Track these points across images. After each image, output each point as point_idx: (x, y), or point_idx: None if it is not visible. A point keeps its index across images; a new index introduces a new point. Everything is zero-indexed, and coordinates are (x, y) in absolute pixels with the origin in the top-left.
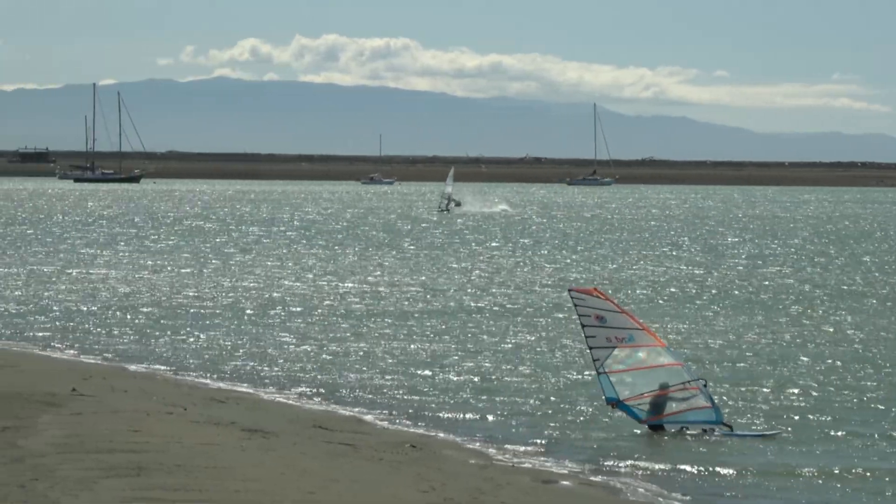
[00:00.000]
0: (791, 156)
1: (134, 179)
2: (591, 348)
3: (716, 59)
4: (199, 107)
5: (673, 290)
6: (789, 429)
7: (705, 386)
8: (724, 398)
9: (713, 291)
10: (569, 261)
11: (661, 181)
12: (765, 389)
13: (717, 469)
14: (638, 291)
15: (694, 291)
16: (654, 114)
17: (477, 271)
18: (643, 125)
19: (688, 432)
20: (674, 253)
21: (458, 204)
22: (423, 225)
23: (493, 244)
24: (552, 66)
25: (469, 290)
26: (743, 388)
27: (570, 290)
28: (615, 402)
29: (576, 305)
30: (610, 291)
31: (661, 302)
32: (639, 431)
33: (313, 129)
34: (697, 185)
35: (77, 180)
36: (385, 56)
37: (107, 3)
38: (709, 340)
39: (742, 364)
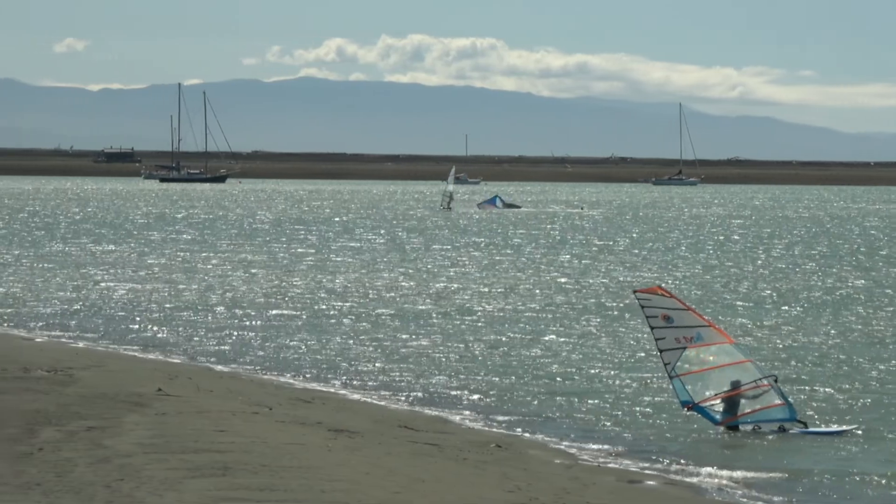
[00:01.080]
0: (878, 156)
1: (220, 179)
2: (661, 351)
3: (802, 59)
4: (285, 107)
5: (743, 289)
6: (862, 427)
7: (776, 382)
8: (799, 396)
9: (783, 290)
10: (642, 260)
11: (746, 181)
12: (836, 388)
13: (796, 468)
14: (711, 289)
15: (766, 291)
16: (740, 114)
17: (553, 270)
18: (729, 125)
19: (762, 430)
20: (748, 252)
21: (507, 201)
22: (492, 224)
23: (565, 244)
24: (638, 66)
25: (542, 289)
26: (814, 387)
27: (635, 292)
28: (690, 405)
29: (643, 307)
30: (676, 290)
31: (731, 301)
32: (717, 431)
33: (399, 129)
34: (783, 185)
35: (163, 180)
36: (471, 56)
37: (192, 3)
38: (780, 338)
39: (813, 363)
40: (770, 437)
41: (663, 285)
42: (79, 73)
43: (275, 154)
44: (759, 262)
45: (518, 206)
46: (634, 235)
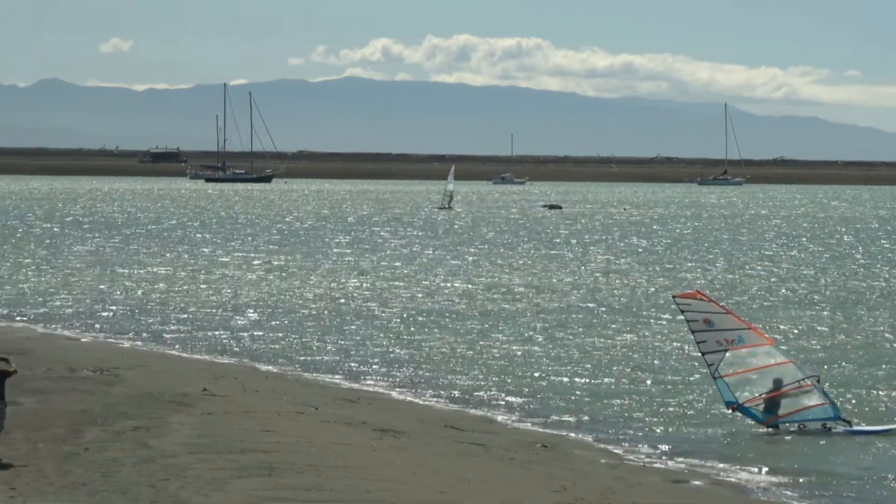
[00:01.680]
0: None
1: (265, 179)
2: (703, 353)
3: (847, 59)
4: (330, 107)
5: (784, 291)
6: None
7: (818, 382)
8: (842, 396)
9: (824, 291)
10: (681, 261)
11: (791, 181)
12: (879, 386)
13: (840, 467)
14: (750, 292)
15: (804, 292)
16: (785, 114)
17: (593, 271)
18: (774, 125)
19: (806, 429)
20: (788, 253)
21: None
22: (531, 224)
23: (604, 244)
24: (683, 65)
25: (582, 289)
26: (857, 386)
27: (674, 297)
28: (735, 406)
29: (682, 311)
30: (721, 294)
31: (772, 302)
32: (761, 431)
33: (444, 129)
34: (828, 185)
35: (208, 180)
36: (517, 56)
37: (238, 3)
38: (820, 339)
39: (855, 362)
40: (814, 436)
41: (702, 290)
42: (124, 73)
43: (320, 154)
44: (797, 262)
45: (559, 207)
46: (675, 235)
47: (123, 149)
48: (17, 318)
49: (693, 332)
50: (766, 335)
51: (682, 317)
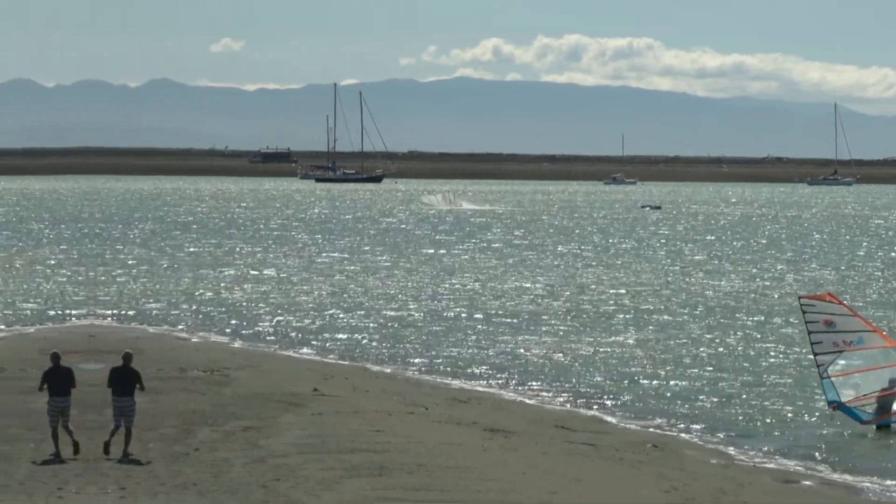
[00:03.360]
0: None
1: (376, 179)
2: (815, 354)
3: None
4: (440, 107)
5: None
6: None
7: None
8: None
9: None
10: (776, 260)
11: None
12: None
13: None
14: (867, 292)
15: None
16: None
17: (694, 272)
18: (885, 125)
19: None
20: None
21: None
22: (632, 224)
23: (701, 245)
24: (794, 65)
25: (681, 290)
26: None
27: (800, 298)
28: (836, 405)
29: (804, 312)
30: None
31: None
32: (871, 431)
33: (555, 129)
34: None
35: (318, 180)
36: (627, 56)
37: (349, 3)
38: None
39: None
40: None
41: (832, 293)
42: (235, 73)
43: (431, 154)
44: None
45: (659, 207)
46: (775, 235)
47: (233, 149)
48: (130, 319)
49: (810, 332)
50: (890, 338)
51: (803, 317)
